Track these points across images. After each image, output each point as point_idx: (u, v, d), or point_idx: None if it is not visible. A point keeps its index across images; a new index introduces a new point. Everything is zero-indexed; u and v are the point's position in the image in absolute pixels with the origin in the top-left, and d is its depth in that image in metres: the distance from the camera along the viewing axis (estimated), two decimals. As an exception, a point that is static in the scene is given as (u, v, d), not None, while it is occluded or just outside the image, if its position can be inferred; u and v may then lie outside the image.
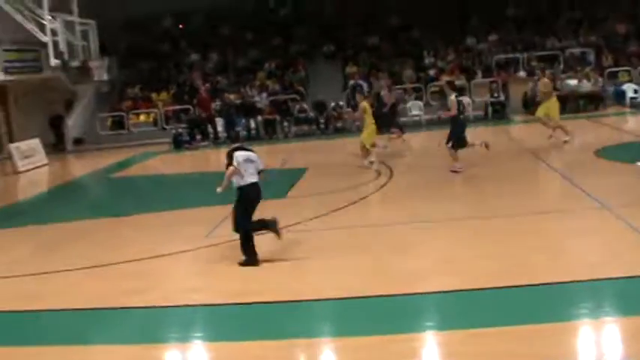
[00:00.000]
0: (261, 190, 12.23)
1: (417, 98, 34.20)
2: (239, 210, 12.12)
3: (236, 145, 12.82)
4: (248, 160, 12.09)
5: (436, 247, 11.92)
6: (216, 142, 32.57)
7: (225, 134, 32.87)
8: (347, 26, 41.42)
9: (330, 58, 39.84)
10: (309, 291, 10.33)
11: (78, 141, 37.07)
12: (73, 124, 37.16)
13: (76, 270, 12.58)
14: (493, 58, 36.62)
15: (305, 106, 33.46)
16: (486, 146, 19.22)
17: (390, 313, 9.27)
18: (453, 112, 18.47)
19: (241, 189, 12.00)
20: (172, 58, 41.67)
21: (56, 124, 36.93)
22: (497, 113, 32.30)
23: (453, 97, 18.71)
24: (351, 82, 33.61)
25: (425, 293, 9.79)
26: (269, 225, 12.12)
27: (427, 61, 37.40)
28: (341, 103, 33.22)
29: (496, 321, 8.56)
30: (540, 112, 22.82)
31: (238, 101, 35.21)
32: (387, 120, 26.01)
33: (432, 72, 36.18)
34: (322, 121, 32.74)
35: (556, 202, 14.98)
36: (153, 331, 9.62)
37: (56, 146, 36.18)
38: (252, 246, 11.93)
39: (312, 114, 33.05)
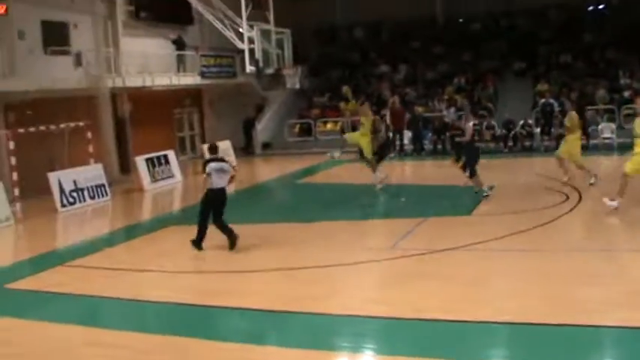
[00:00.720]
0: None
1: (609, 120, 33.04)
2: (200, 206, 15.04)
3: (211, 157, 15.56)
4: (220, 170, 14.91)
5: (623, 279, 11.46)
6: (402, 154, 32.63)
7: (411, 146, 32.92)
8: (539, 43, 40.58)
9: (521, 75, 39.12)
10: (490, 313, 10.16)
11: (266, 145, 38.16)
12: (262, 129, 38.30)
13: (261, 272, 12.94)
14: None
15: (493, 122, 32.96)
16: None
17: (570, 344, 8.98)
18: None
19: (207, 192, 14.86)
20: (362, 68, 42.14)
21: (247, 128, 38.13)
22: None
23: None
24: (542, 100, 32.73)
25: (613, 326, 9.38)
26: (227, 234, 14.82)
27: (622, 81, 36.06)
28: (530, 121, 32.55)
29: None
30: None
31: (426, 114, 35.16)
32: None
33: (626, 93, 34.85)
34: (510, 139, 32.17)
35: None
36: (328, 338, 9.77)
37: (245, 149, 37.33)
38: (200, 238, 14.84)
39: (499, 131, 32.52)
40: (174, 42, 31.81)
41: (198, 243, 14.88)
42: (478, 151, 20.67)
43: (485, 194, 19.06)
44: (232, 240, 14.70)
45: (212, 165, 14.89)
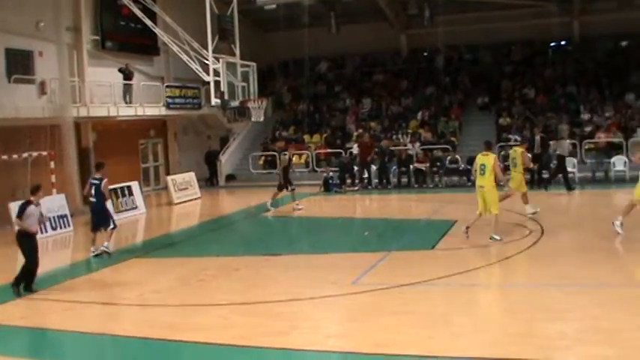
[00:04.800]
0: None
1: (571, 154, 33.39)
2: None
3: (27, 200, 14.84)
4: (32, 215, 14.48)
5: (587, 314, 11.52)
6: (367, 187, 32.77)
7: (376, 180, 33.05)
8: (503, 77, 41.07)
9: (484, 109, 39.52)
10: (453, 348, 10.17)
11: (230, 177, 38.12)
12: (226, 161, 38.26)
13: (220, 305, 12.88)
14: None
15: (457, 156, 33.20)
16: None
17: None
18: None
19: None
20: (326, 101, 42.34)
21: (211, 160, 38.08)
22: (656, 174, 31.06)
23: None
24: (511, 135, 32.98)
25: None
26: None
27: (583, 116, 36.51)
28: (493, 154, 32.81)
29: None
30: None
31: (391, 148, 35.37)
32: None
33: (588, 128, 35.30)
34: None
35: None
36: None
37: (209, 181, 37.27)
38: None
39: (463, 165, 32.74)
40: (121, 71, 31.66)
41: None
42: None
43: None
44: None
45: (30, 208, 14.56)
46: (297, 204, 26.14)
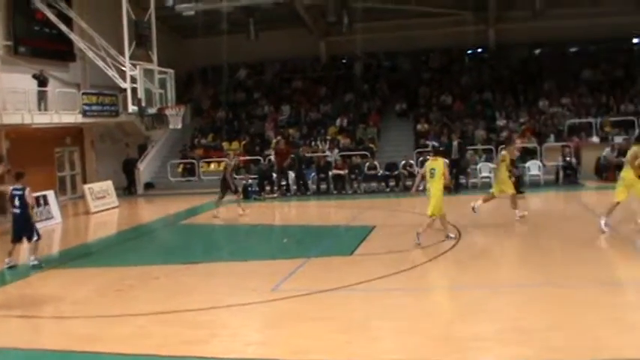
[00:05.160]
0: None
1: (487, 160, 33.98)
2: None
3: None
4: None
5: (504, 315, 11.71)
6: (286, 194, 32.80)
7: (294, 187, 33.11)
8: (420, 84, 41.60)
9: (402, 116, 39.93)
10: (371, 354, 10.22)
11: (149, 185, 37.73)
12: (144, 169, 37.87)
13: (140, 315, 12.70)
14: (566, 121, 36.21)
15: (375, 163, 33.45)
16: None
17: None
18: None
19: None
20: (245, 108, 42.25)
21: (129, 168, 37.62)
22: (568, 178, 31.85)
23: None
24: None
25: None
26: None
27: (499, 122, 37.19)
28: (411, 161, 33.18)
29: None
30: None
31: (309, 155, 35.49)
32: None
33: (503, 134, 35.95)
34: (392, 179, 32.68)
35: (628, 274, 14.62)
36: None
37: (127, 189, 36.81)
38: None
39: (381, 171, 33.00)
40: (35, 77, 31.06)
41: None
42: None
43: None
44: None
45: None
46: (243, 209, 26.01)
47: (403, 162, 33.10)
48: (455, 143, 31.01)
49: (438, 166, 18.44)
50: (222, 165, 26.78)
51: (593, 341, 10.07)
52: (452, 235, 18.57)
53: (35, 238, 17.80)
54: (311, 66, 45.27)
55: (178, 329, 11.80)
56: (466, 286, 13.85)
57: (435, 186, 18.33)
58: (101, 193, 30.80)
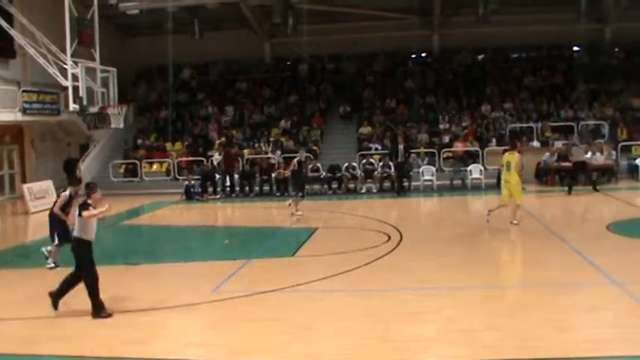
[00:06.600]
0: None
1: (429, 163, 34.28)
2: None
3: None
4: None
5: (442, 316, 11.81)
6: (230, 196, 32.69)
7: (238, 189, 33.01)
8: (364, 87, 41.81)
9: (346, 118, 40.07)
10: (311, 354, 10.23)
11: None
12: (86, 169, 37.39)
13: (80, 317, 12.54)
14: (508, 126, 36.70)
15: (318, 165, 33.49)
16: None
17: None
18: None
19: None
20: (189, 109, 42.01)
21: (70, 168, 37.09)
22: (510, 182, 32.22)
23: None
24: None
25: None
26: None
27: (442, 126, 37.54)
28: (354, 164, 33.30)
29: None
30: None
31: (252, 156, 35.45)
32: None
33: (446, 137, 36.31)
34: (335, 182, 32.76)
35: (565, 276, 14.84)
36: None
37: (68, 190, 36.27)
38: None
39: (324, 173, 33.05)
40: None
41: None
42: None
43: None
44: None
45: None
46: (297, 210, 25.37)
47: (346, 164, 33.20)
48: (401, 147, 31.22)
49: (513, 159, 20.37)
50: (293, 163, 25.59)
51: (529, 341, 10.22)
52: (516, 222, 20.46)
53: None
54: (255, 67, 45.20)
55: (119, 330, 11.69)
56: (406, 287, 13.91)
57: (513, 177, 20.28)
58: (41, 193, 30.33)
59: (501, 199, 21.18)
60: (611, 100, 38.37)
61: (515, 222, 20.62)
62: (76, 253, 12.89)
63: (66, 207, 16.67)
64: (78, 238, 12.88)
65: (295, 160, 25.56)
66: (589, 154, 31.52)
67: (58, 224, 16.93)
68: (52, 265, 17.09)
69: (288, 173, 26.37)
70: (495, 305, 12.35)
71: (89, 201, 13.13)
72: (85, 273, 12.66)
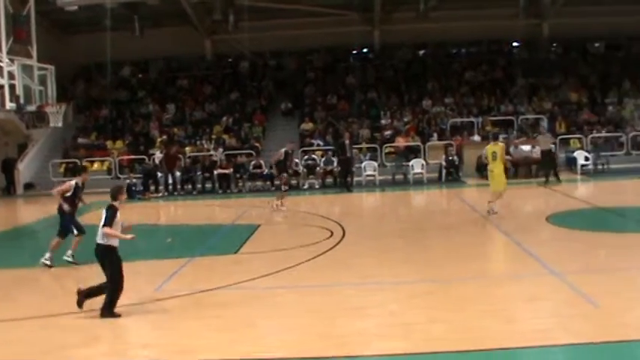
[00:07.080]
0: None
1: (371, 158, 34.42)
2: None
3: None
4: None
5: (385, 310, 11.86)
6: (173, 194, 32.48)
7: (180, 187, 32.82)
8: (306, 83, 41.83)
9: (287, 115, 40.06)
10: (256, 350, 10.19)
11: (29, 186, 36.68)
12: (24, 169, 36.80)
13: (21, 320, 12.32)
14: (449, 121, 37.05)
15: (260, 161, 33.41)
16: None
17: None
18: None
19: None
20: (129, 107, 41.60)
21: (8, 168, 36.52)
22: (451, 176, 32.60)
23: None
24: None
25: (371, 356, 9.73)
26: None
27: (383, 121, 37.72)
28: (296, 160, 33.27)
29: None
30: None
31: (194, 154, 35.28)
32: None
33: (387, 133, 36.49)
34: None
35: (506, 267, 15.06)
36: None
37: (6, 190, 35.76)
38: None
39: (267, 170, 32.99)
40: None
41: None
42: None
43: None
44: None
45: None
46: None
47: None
48: (347, 142, 31.27)
49: (498, 149, 21.17)
50: (280, 152, 26.13)
51: (474, 332, 10.30)
52: (495, 210, 21.00)
53: None
54: (196, 64, 44.97)
55: (60, 333, 11.49)
56: (348, 283, 13.96)
57: (498, 166, 21.00)
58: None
59: (492, 190, 21.49)
60: (549, 94, 39.02)
61: (494, 211, 21.06)
62: (103, 261, 12.59)
63: (73, 196, 17.34)
64: (103, 245, 12.57)
65: (283, 149, 26.02)
66: (528, 147, 32.01)
67: (66, 216, 17.42)
68: (48, 262, 17.07)
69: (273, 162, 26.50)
70: (438, 298, 12.44)
71: (115, 203, 13.10)
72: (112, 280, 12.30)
